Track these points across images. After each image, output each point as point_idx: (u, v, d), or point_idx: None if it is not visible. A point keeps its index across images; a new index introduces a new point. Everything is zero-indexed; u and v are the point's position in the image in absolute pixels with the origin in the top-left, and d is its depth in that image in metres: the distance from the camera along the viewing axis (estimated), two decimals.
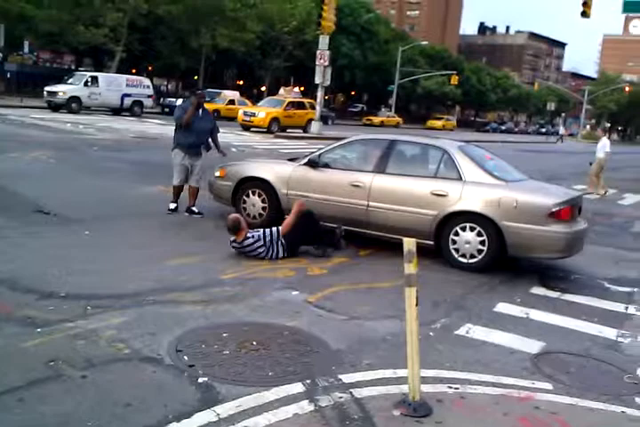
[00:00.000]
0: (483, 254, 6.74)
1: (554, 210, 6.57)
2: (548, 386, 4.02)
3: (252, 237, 6.47)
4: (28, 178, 10.16)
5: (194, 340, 4.24)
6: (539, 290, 6.39)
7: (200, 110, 8.47)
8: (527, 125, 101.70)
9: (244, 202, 8.11)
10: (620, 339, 5.15)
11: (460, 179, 7.03)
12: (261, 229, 6.67)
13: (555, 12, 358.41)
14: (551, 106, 77.62)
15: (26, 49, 47.99)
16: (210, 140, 8.77)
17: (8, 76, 32.83)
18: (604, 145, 16.51)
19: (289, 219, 6.78)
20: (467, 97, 79.88)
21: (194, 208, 8.55)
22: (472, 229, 6.79)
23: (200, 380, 3.68)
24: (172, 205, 8.56)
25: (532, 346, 4.72)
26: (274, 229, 6.68)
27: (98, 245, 6.55)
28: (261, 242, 6.48)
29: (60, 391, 3.42)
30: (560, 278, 7.00)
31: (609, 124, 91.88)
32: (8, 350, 3.86)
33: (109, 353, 3.93)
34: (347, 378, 3.85)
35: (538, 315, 5.51)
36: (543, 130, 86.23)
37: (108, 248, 6.45)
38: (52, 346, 3.95)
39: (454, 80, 60.98)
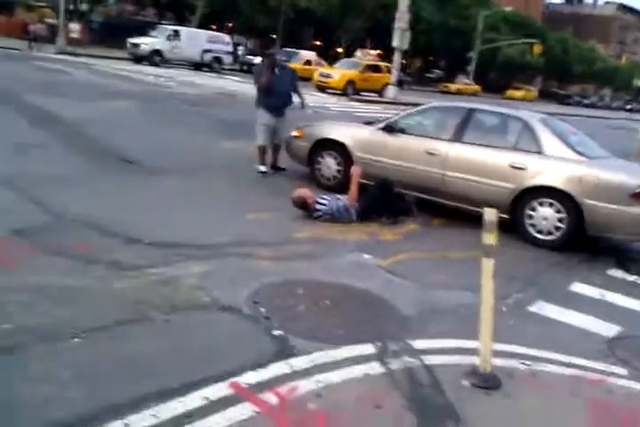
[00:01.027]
0: (560, 232, 6.58)
1: (638, 191, 6.33)
2: (623, 371, 3.94)
3: (320, 210, 6.50)
4: (113, 127, 10.52)
5: (270, 293, 4.38)
6: (616, 272, 6.22)
7: (277, 69, 8.45)
8: (612, 101, 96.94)
9: (319, 163, 8.16)
10: None
11: (540, 152, 6.84)
12: (331, 199, 6.63)
13: None
14: (637, 82, 73.50)
15: (111, 1, 48.94)
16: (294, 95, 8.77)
17: (94, 26, 33.63)
18: None
19: (352, 189, 6.72)
20: (550, 67, 76.49)
21: (278, 164, 8.72)
22: (550, 205, 6.63)
23: (275, 332, 3.81)
24: (262, 168, 8.54)
25: (608, 329, 4.63)
26: (343, 197, 6.70)
27: (180, 195, 6.78)
28: (330, 212, 6.50)
29: (146, 332, 3.63)
30: (638, 262, 6.79)
31: None
32: (97, 290, 4.09)
33: (191, 300, 4.11)
34: (417, 344, 3.90)
35: (614, 298, 5.37)
36: (628, 106, 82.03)
37: (190, 200, 6.68)
38: (138, 289, 4.16)
39: (537, 49, 58.42)
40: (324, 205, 6.51)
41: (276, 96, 8.39)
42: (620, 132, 30.15)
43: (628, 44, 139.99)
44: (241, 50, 42.65)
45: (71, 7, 39.27)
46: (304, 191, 6.61)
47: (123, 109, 12.80)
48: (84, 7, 42.53)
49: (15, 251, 4.58)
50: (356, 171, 6.89)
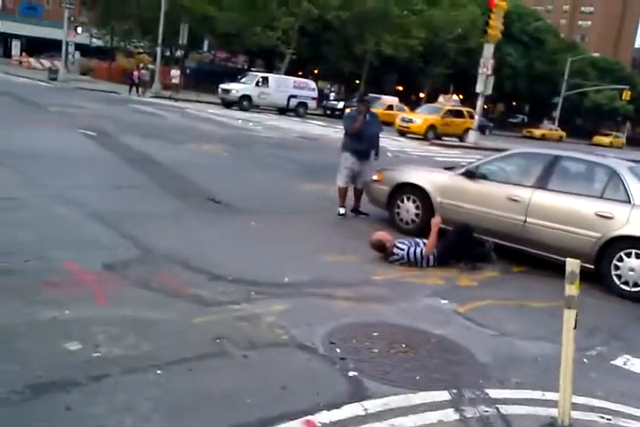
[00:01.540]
0: None
1: None
2: None
3: (397, 254, 6.52)
4: (202, 168, 11.05)
5: (346, 334, 4.43)
6: None
7: (368, 116, 8.68)
8: None
9: (399, 207, 8.24)
10: None
11: (628, 201, 6.66)
12: (409, 243, 6.63)
13: None
14: None
15: (205, 48, 51.75)
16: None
17: (187, 72, 35.65)
18: None
19: (431, 239, 6.65)
20: (639, 114, 74.09)
21: (360, 209, 8.84)
22: (638, 256, 6.41)
23: (350, 373, 3.85)
24: (342, 210, 8.66)
25: None
26: (422, 242, 6.70)
27: (263, 235, 7.04)
28: (407, 257, 6.51)
29: (224, 367, 3.75)
30: None
31: None
32: (180, 324, 4.28)
33: (269, 337, 4.23)
34: (494, 393, 3.84)
35: None
36: None
37: (272, 239, 6.90)
38: (219, 325, 4.31)
39: (626, 95, 56.79)
40: (401, 249, 6.55)
41: (362, 141, 8.59)
42: None
43: None
44: (332, 96, 43.75)
45: (167, 53, 41.82)
46: (382, 234, 6.68)
47: (212, 152, 13.44)
48: (179, 53, 45.13)
49: (106, 284, 4.86)
50: (435, 221, 6.89)
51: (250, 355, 3.93)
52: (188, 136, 15.58)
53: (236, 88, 30.77)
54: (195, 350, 3.88)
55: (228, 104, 30.66)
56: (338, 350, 4.15)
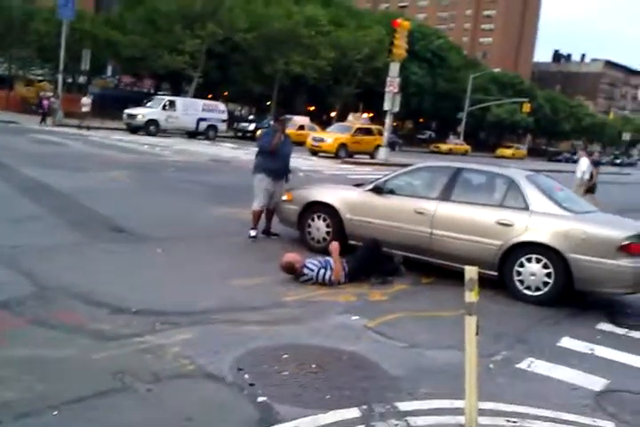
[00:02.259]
0: (548, 287, 6.60)
1: (624, 243, 6.39)
2: (611, 425, 3.91)
3: (307, 275, 6.50)
4: (105, 196, 10.69)
5: (255, 359, 4.36)
6: (605, 326, 6.20)
7: (283, 136, 8.64)
8: (601, 156, 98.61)
9: (309, 226, 8.25)
10: None
11: (526, 209, 6.95)
12: (319, 263, 6.60)
13: (633, 39, 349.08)
14: (627, 136, 75.16)
15: (109, 73, 50.65)
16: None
17: (91, 98, 34.61)
18: (580, 166, 15.80)
19: (336, 265, 6.58)
20: (539, 125, 78.32)
21: (271, 230, 8.77)
22: (538, 261, 6.68)
23: (259, 399, 3.77)
24: (253, 233, 8.48)
25: (596, 383, 4.60)
26: (328, 262, 6.68)
27: (169, 262, 6.83)
28: (315, 279, 6.48)
29: (126, 402, 3.59)
30: (628, 315, 6.77)
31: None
32: (79, 361, 4.07)
33: (175, 368, 4.09)
34: (403, 406, 3.86)
35: (603, 351, 5.35)
36: (618, 161, 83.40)
37: (179, 266, 6.71)
38: (121, 359, 4.14)
39: (526, 108, 60.05)
40: (311, 270, 6.51)
41: (277, 160, 8.52)
42: (609, 187, 30.51)
43: (615, 99, 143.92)
44: (252, 117, 43.60)
45: (69, 80, 40.61)
46: (291, 256, 6.63)
47: (116, 179, 13.05)
48: (82, 80, 43.94)
49: None
50: (333, 247, 6.80)
51: (154, 388, 3.79)
52: (91, 164, 15.09)
53: (142, 113, 30.21)
54: (94, 388, 3.70)
55: (134, 129, 30.03)
56: (246, 377, 4.06)
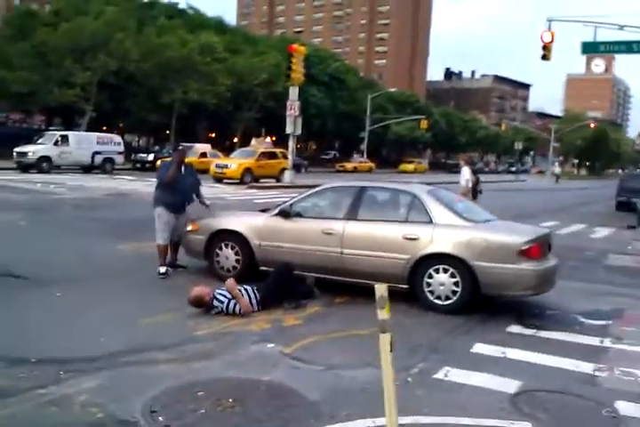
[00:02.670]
0: (457, 295, 6.78)
1: (523, 248, 6.69)
2: (528, 425, 4.01)
3: (217, 307, 6.33)
4: None
5: (169, 400, 4.17)
6: (515, 328, 6.43)
7: (183, 167, 8.35)
8: (497, 165, 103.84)
9: (217, 255, 8.08)
10: (596, 373, 5.18)
11: (430, 222, 7.14)
12: (229, 295, 6.41)
13: (518, 55, 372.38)
14: (519, 145, 79.60)
15: None
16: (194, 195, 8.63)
17: None
18: (463, 174, 16.33)
19: (240, 301, 6.37)
20: (437, 140, 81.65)
21: (178, 262, 8.46)
22: (445, 271, 6.86)
23: None
24: (163, 269, 8.10)
25: (510, 385, 4.73)
26: (243, 288, 6.58)
27: (70, 306, 6.45)
28: (225, 311, 6.32)
29: None
30: (535, 315, 7.05)
31: (573, 160, 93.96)
32: None
33: (84, 418, 3.85)
34: None
35: (514, 354, 5.52)
36: (513, 169, 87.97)
37: (81, 309, 6.35)
38: (24, 416, 3.86)
39: (424, 125, 62.47)
40: (221, 302, 6.33)
41: (177, 193, 8.20)
42: (506, 194, 32.05)
43: (506, 111, 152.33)
44: (156, 147, 42.31)
45: None
46: (198, 290, 6.38)
47: (8, 222, 12.27)
48: None
49: None
50: (229, 285, 6.50)
51: None
52: None
53: (33, 150, 28.82)
54: None
55: (25, 168, 28.57)
56: (160, 419, 3.88)
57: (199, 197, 8.71)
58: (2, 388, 4.24)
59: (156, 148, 43.95)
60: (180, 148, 8.71)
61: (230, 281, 6.57)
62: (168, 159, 8.99)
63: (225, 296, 6.40)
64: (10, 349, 5.00)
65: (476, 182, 16.24)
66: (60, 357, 4.88)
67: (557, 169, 65.52)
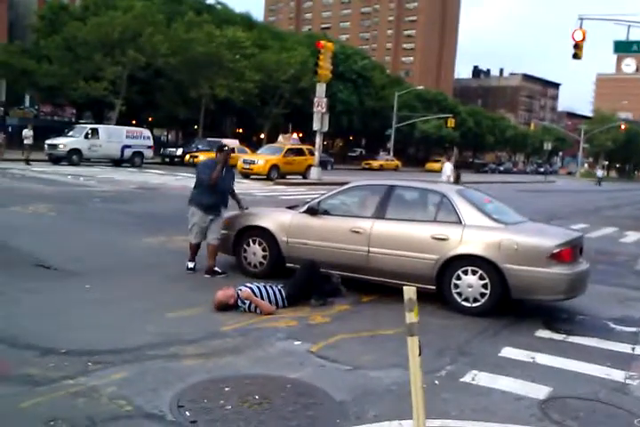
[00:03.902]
0: (486, 298, 6.69)
1: (554, 251, 6.57)
2: None
3: (241, 307, 6.29)
4: (28, 232, 10.21)
5: (196, 395, 4.18)
6: (544, 333, 6.32)
7: (225, 168, 8.03)
8: (525, 165, 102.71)
9: (245, 251, 8.10)
10: (627, 381, 5.07)
11: (459, 222, 7.05)
12: (253, 291, 6.39)
13: (548, 53, 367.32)
14: (548, 146, 78.58)
15: (27, 103, 49.01)
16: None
17: (10, 129, 33.33)
18: (444, 171, 17.72)
19: (260, 305, 6.29)
20: (464, 139, 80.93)
21: (216, 268, 7.98)
22: (474, 273, 6.77)
23: None
24: (191, 264, 8.02)
25: (539, 391, 4.65)
26: (265, 288, 6.54)
27: (98, 298, 6.51)
28: (248, 309, 6.29)
29: None
30: (565, 320, 6.94)
31: (599, 162, 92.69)
32: (6, 411, 3.80)
33: (111, 411, 3.87)
34: None
35: (544, 359, 5.43)
36: (541, 169, 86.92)
37: (109, 302, 6.41)
38: (52, 405, 3.89)
39: (451, 123, 61.98)
40: (243, 302, 6.30)
41: (215, 195, 7.93)
42: (535, 195, 31.73)
43: (535, 110, 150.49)
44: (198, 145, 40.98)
45: None
46: (221, 294, 6.31)
47: (40, 213, 12.48)
48: None
49: None
50: (245, 294, 6.35)
51: None
52: (10, 198, 14.38)
53: (64, 142, 29.26)
54: None
55: (56, 160, 29.05)
56: (187, 414, 3.88)
57: (234, 197, 8.36)
58: (33, 377, 4.30)
59: (200, 145, 42.92)
60: (226, 148, 8.24)
61: (245, 292, 6.38)
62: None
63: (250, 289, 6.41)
64: (40, 339, 5.06)
65: (457, 178, 17.57)
66: (89, 348, 4.92)
67: (600, 172, 65.62)
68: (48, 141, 29.72)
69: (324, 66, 28.81)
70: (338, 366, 4.93)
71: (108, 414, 3.83)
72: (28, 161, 27.83)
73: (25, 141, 28.98)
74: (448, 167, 17.52)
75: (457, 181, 17.19)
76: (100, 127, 32.08)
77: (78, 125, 34.43)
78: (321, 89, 28.74)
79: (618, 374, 5.18)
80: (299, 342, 5.43)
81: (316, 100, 28.69)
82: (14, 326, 5.35)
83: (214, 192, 7.93)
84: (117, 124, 37.22)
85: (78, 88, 37.70)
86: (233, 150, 33.24)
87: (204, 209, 7.93)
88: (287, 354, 5.15)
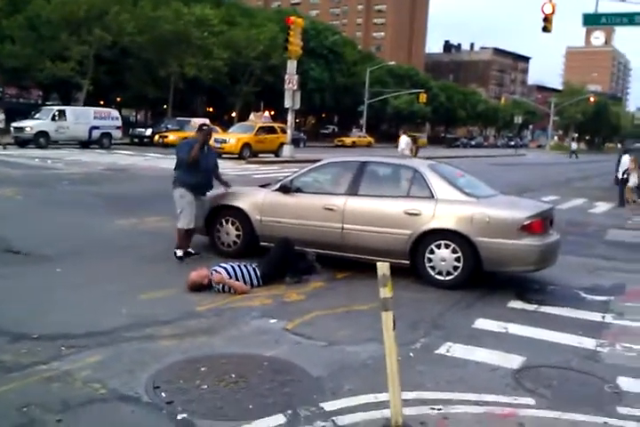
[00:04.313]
0: (459, 271, 6.77)
1: (525, 223, 6.65)
2: (531, 401, 4.02)
3: (215, 287, 6.27)
4: None
5: (171, 375, 4.16)
6: (516, 304, 6.43)
7: (205, 147, 7.85)
8: (496, 139, 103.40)
9: (218, 231, 8.05)
10: (598, 348, 5.18)
11: (432, 197, 7.08)
12: (226, 273, 6.36)
13: (518, 27, 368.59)
14: (518, 119, 79.13)
15: None
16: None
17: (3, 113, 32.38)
18: (400, 143, 19.18)
19: (233, 285, 6.27)
20: (436, 114, 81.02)
21: (190, 249, 7.86)
22: (447, 247, 6.83)
23: (179, 416, 3.61)
24: (180, 252, 7.67)
25: (513, 361, 4.73)
26: (239, 267, 6.53)
27: (70, 282, 6.42)
28: (222, 289, 6.26)
29: None
30: (536, 291, 7.05)
31: (575, 135, 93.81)
32: None
33: (86, 394, 3.84)
34: (328, 406, 3.81)
35: (516, 329, 5.53)
36: (512, 143, 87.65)
37: (81, 285, 6.33)
38: (26, 391, 3.85)
39: (422, 98, 61.88)
40: (217, 283, 6.27)
41: (199, 174, 7.70)
42: (506, 168, 32.01)
43: (505, 84, 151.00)
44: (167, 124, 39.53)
45: None
46: (196, 274, 6.28)
47: (6, 197, 12.22)
48: None
49: None
50: (216, 279, 6.29)
51: (65, 418, 3.53)
52: None
53: (30, 125, 28.61)
54: None
55: (22, 143, 28.41)
56: (163, 395, 3.87)
57: (218, 178, 8.19)
58: (5, 363, 4.24)
59: (170, 124, 41.65)
60: (205, 127, 8.05)
61: (216, 276, 6.33)
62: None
63: (224, 270, 6.39)
64: (11, 324, 4.99)
65: (416, 150, 19.90)
66: (62, 332, 4.86)
67: (574, 145, 66.06)
68: (14, 124, 29.03)
69: (295, 42, 28.50)
70: (314, 343, 4.95)
71: (83, 397, 3.80)
72: (3, 145, 27.22)
73: None
74: (403, 141, 18.19)
75: (415, 155, 18.35)
76: (68, 109, 31.38)
77: (45, 107, 33.67)
78: (292, 66, 28.46)
79: (589, 343, 5.30)
80: (274, 320, 5.44)
81: (287, 77, 28.42)
82: None
83: (198, 172, 7.69)
84: (85, 105, 36.46)
85: (44, 69, 36.77)
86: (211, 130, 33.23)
87: (191, 189, 7.69)
88: (263, 332, 5.15)
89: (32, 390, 3.87)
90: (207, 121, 36.71)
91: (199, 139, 7.79)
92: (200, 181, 7.78)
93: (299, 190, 7.76)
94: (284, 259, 6.89)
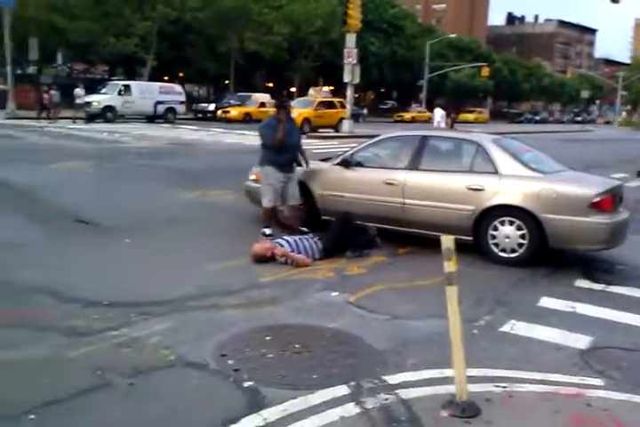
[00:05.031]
0: (523, 248, 6.61)
1: (594, 200, 6.41)
2: (599, 382, 3.92)
3: (278, 260, 6.33)
4: (67, 188, 10.38)
5: (237, 344, 4.26)
6: (583, 283, 6.25)
7: (288, 124, 7.59)
8: (562, 115, 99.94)
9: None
10: None
11: (495, 172, 6.92)
12: (288, 246, 6.43)
13: None
14: (585, 94, 76.03)
15: (59, 61, 49.03)
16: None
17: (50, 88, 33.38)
18: (434, 116, 19.87)
19: (295, 258, 6.32)
20: (499, 88, 78.76)
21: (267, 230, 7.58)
22: (511, 223, 6.68)
23: (245, 384, 3.69)
24: (268, 231, 7.52)
25: (580, 341, 4.61)
26: (301, 240, 6.58)
27: (138, 252, 6.64)
28: (285, 262, 6.32)
29: (108, 400, 3.47)
30: (604, 270, 6.83)
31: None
32: (55, 360, 3.92)
33: (155, 360, 3.97)
34: (392, 379, 3.81)
35: (583, 308, 5.38)
36: (578, 118, 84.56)
37: (149, 255, 6.53)
38: (98, 355, 4.01)
39: (485, 72, 60.21)
40: (280, 257, 6.34)
41: (285, 152, 7.53)
42: (573, 144, 30.91)
43: (571, 57, 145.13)
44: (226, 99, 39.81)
45: (18, 71, 39.26)
46: (259, 247, 6.37)
47: (77, 170, 12.67)
48: (32, 70, 42.55)
49: None
50: (280, 251, 6.36)
51: (136, 382, 3.67)
52: (48, 155, 14.62)
53: (98, 99, 29.43)
54: (73, 388, 3.56)
55: (91, 117, 29.28)
56: (230, 362, 3.96)
57: (302, 154, 7.98)
58: (78, 328, 4.42)
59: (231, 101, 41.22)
60: (286, 103, 7.84)
61: (280, 250, 6.39)
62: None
63: (286, 242, 6.47)
64: (83, 292, 5.19)
65: (452, 123, 19.77)
66: (131, 300, 5.03)
67: None
68: (83, 99, 29.84)
69: (354, 15, 28.04)
70: (376, 316, 4.96)
71: (153, 363, 3.93)
72: (74, 119, 28.07)
73: (76, 100, 29.11)
74: (438, 113, 17.82)
75: (452, 126, 18.27)
76: (133, 84, 32.09)
77: (111, 82, 34.46)
78: (351, 39, 28.06)
79: None
80: (336, 293, 5.47)
81: (346, 51, 28.06)
82: (57, 280, 5.48)
83: (284, 150, 7.51)
84: (149, 80, 37.14)
85: (108, 45, 37.55)
86: (264, 104, 33.27)
87: (279, 167, 7.52)
88: (325, 304, 5.20)
89: (104, 354, 4.03)
90: (267, 96, 36.99)
91: (282, 117, 7.51)
92: (287, 158, 7.61)
93: (359, 165, 7.72)
94: (345, 234, 6.90)
